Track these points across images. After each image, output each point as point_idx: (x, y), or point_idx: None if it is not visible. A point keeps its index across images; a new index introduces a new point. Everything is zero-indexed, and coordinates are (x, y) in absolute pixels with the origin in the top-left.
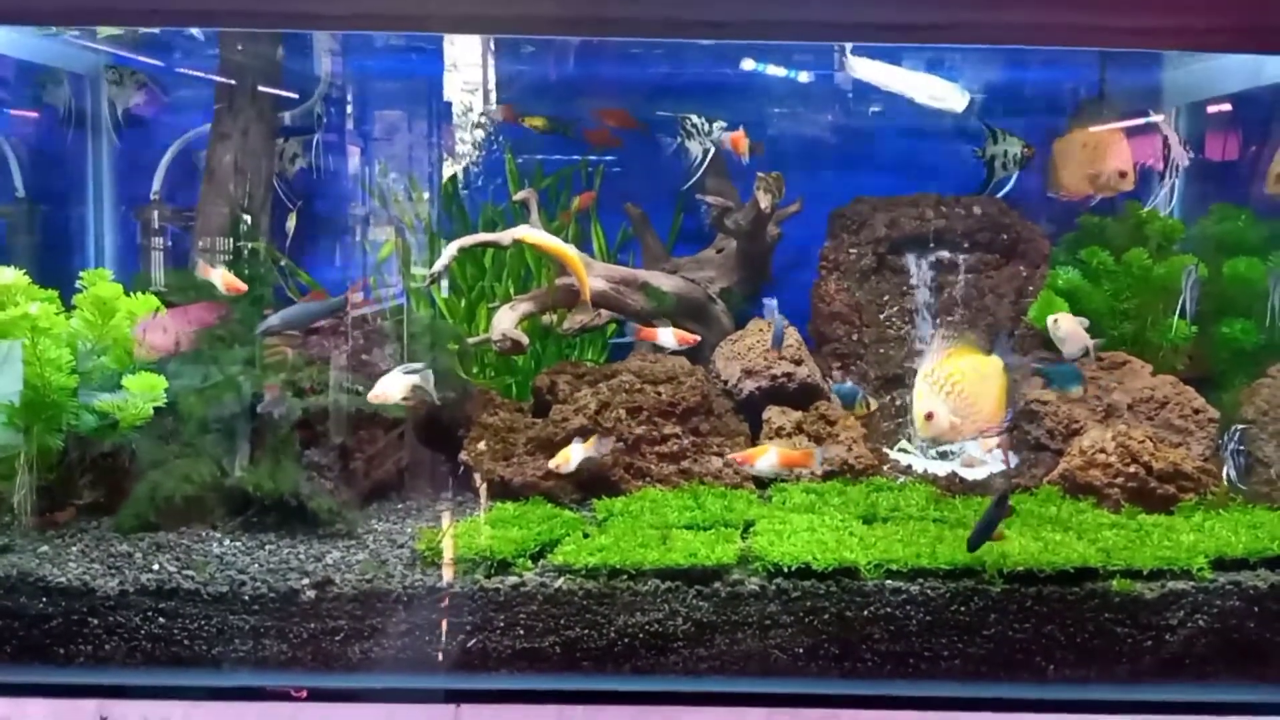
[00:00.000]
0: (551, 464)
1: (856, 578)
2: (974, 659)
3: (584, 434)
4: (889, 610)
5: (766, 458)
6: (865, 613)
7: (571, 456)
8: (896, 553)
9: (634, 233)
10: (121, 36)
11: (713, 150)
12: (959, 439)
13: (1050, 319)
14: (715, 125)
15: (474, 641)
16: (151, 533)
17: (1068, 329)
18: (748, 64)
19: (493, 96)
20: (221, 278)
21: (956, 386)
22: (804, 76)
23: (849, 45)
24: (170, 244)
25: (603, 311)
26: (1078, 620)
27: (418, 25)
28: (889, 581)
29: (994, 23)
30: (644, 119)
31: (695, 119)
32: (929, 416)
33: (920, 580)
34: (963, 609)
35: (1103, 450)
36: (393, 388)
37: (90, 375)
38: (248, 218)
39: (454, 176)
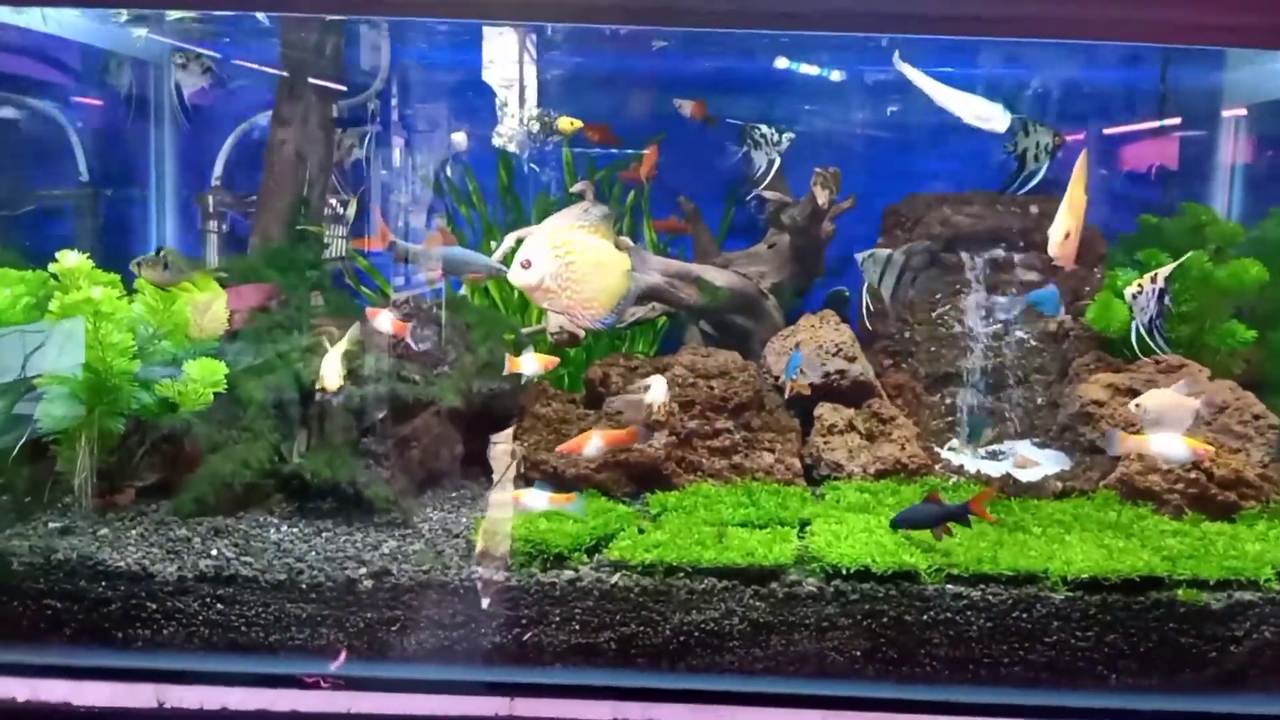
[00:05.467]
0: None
1: (917, 581)
2: (1035, 666)
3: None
4: (949, 615)
5: (592, 444)
6: (925, 617)
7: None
8: (957, 557)
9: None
10: (186, 23)
11: (778, 162)
12: (544, 304)
13: (1134, 404)
14: (784, 136)
15: (529, 635)
16: (210, 517)
17: (1159, 405)
18: (803, 61)
19: (532, 90)
20: (390, 322)
21: (570, 255)
22: (853, 75)
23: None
24: (230, 229)
25: (655, 304)
26: (1141, 629)
27: (480, 13)
28: (949, 586)
29: (1063, 17)
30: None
31: (764, 128)
32: (526, 264)
33: (982, 585)
34: (1024, 615)
35: None
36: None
37: (151, 358)
38: (305, 203)
39: (509, 167)
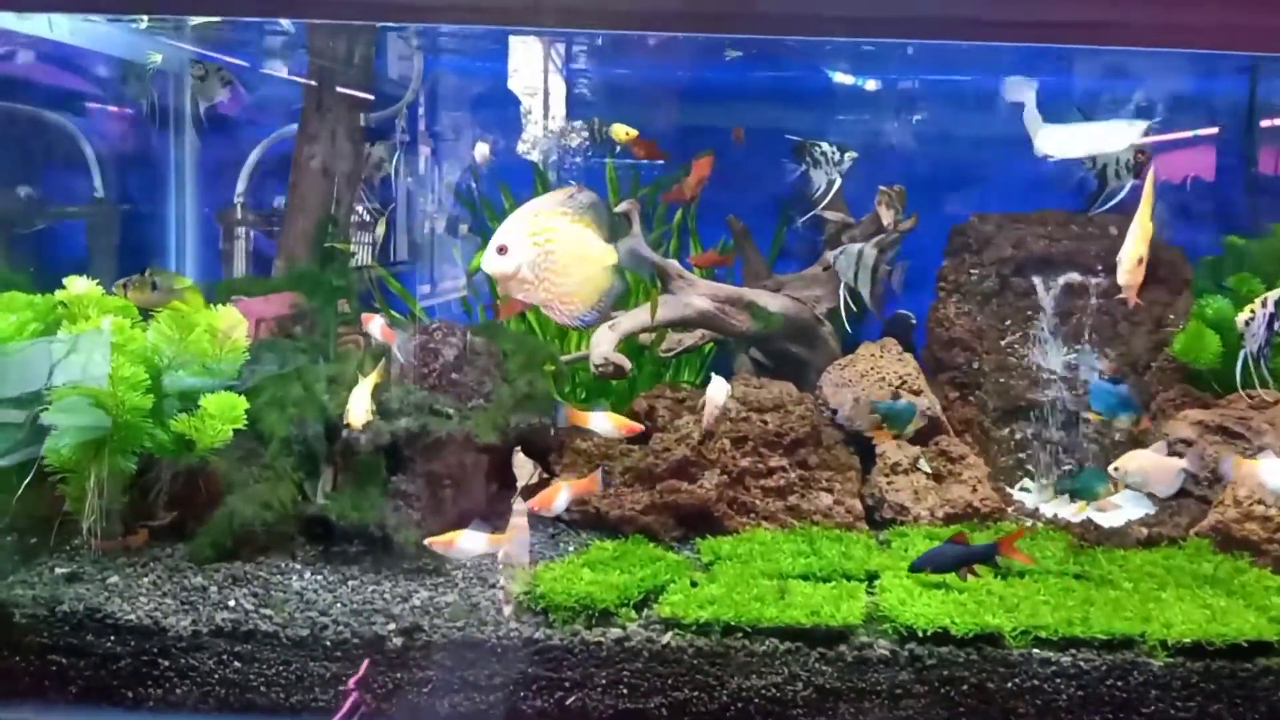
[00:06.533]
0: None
1: (1000, 645)
2: None
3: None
4: (1036, 683)
5: (561, 497)
6: (1009, 685)
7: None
8: (1044, 618)
9: (734, 247)
10: (207, 33)
11: (839, 182)
12: (518, 295)
13: (1112, 468)
14: (846, 155)
15: (572, 699)
16: (227, 563)
17: (1140, 466)
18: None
19: (570, 102)
20: (380, 328)
21: (549, 244)
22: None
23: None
24: (253, 248)
25: (703, 332)
26: (1248, 699)
27: (529, 19)
28: (1036, 650)
29: (1163, 24)
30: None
31: (825, 147)
32: (501, 250)
33: (1072, 650)
34: (1120, 684)
35: (1260, 501)
36: None
37: (169, 384)
38: (333, 221)
39: (545, 184)
